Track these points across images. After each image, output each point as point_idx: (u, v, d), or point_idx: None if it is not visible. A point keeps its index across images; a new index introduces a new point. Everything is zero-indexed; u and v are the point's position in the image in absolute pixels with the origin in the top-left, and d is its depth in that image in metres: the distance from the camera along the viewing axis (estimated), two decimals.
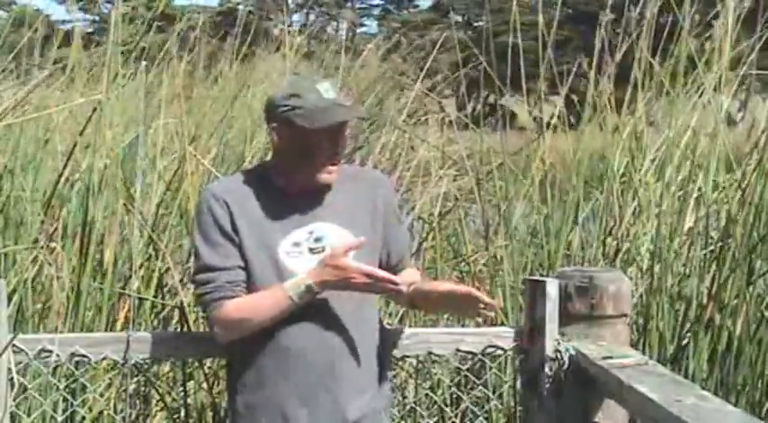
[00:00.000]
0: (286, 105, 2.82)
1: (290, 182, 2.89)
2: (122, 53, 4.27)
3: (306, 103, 2.80)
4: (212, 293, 2.82)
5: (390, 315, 4.28)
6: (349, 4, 45.27)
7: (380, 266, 2.91)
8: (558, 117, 4.68)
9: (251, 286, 2.85)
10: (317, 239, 2.86)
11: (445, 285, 2.97)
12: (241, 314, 2.81)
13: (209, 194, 2.89)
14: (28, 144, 4.63)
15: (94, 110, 4.08)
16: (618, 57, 4.64)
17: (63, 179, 4.21)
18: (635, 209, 4.42)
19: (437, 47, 5.70)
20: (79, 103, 4.40)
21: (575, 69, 4.98)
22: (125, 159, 4.25)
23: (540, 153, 4.48)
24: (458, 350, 3.17)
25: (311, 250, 2.85)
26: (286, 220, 2.87)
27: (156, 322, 4.16)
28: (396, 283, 2.80)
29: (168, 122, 4.87)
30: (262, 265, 2.84)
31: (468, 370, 3.49)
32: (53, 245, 3.97)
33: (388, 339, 3.02)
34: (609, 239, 4.36)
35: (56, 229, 4.07)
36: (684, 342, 3.97)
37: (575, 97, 5.04)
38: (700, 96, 4.53)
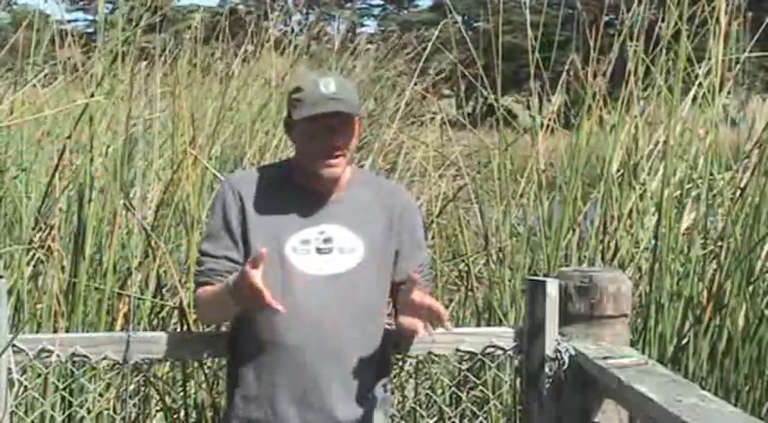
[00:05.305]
0: (291, 98, 2.90)
1: (306, 176, 2.91)
2: (119, 53, 4.26)
3: (304, 96, 2.85)
4: (197, 277, 2.96)
5: (390, 315, 4.26)
6: (349, 5, 45.24)
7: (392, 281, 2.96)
8: (555, 116, 4.66)
9: None
10: (327, 240, 2.88)
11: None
12: (201, 301, 2.95)
13: (226, 184, 2.99)
14: (22, 144, 4.63)
15: (84, 109, 4.06)
16: (612, 55, 4.62)
17: (57, 179, 4.20)
18: (633, 208, 4.41)
19: (431, 44, 5.69)
20: (77, 104, 4.39)
21: (567, 68, 4.95)
22: (121, 158, 4.22)
23: (536, 152, 4.46)
24: (458, 350, 3.16)
25: (318, 250, 2.88)
26: (299, 216, 2.89)
27: (155, 322, 4.16)
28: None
29: (166, 122, 4.86)
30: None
31: (468, 370, 3.48)
32: (51, 244, 3.96)
33: (388, 341, 3.01)
34: (607, 239, 4.35)
35: (52, 228, 4.06)
36: (684, 342, 3.96)
37: (566, 98, 5.03)
38: (693, 96, 4.51)
